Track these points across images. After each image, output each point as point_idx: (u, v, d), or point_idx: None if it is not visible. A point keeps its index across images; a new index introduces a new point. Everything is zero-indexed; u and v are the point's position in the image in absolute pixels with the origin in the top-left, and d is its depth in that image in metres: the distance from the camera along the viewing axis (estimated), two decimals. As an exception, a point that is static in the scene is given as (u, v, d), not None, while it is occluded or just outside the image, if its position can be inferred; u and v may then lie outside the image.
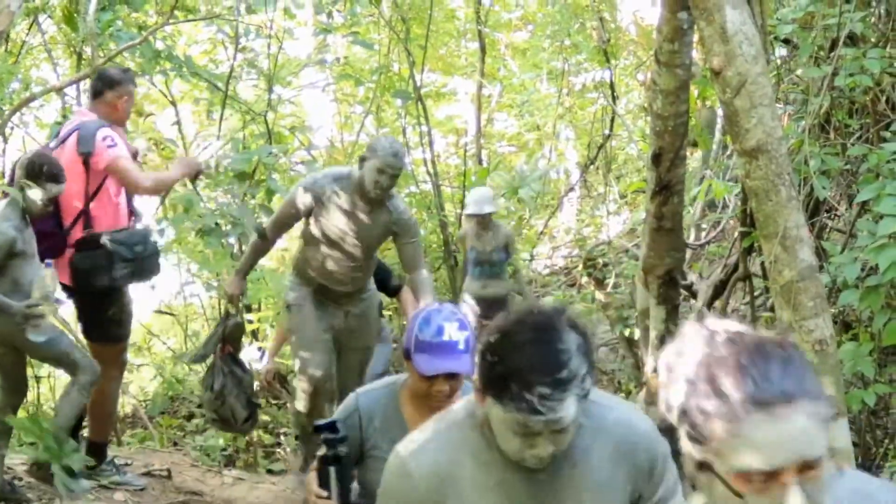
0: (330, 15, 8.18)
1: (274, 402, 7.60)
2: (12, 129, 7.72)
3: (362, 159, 4.73)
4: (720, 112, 6.99)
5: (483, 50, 11.33)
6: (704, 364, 1.31)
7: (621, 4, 11.92)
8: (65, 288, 4.72)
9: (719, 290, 5.00)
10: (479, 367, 1.89)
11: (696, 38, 4.03)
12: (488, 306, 6.69)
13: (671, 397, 1.36)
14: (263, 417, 6.93)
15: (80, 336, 5.06)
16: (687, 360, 1.34)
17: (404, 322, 6.53)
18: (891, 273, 3.57)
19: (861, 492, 1.46)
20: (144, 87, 8.44)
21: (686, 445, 1.35)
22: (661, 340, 4.57)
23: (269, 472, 6.54)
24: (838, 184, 5.22)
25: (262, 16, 7.84)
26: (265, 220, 5.01)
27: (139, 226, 4.97)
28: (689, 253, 6.80)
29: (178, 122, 8.86)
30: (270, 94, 8.15)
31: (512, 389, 1.79)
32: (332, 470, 2.57)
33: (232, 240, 6.28)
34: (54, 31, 8.20)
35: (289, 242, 7.98)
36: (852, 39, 4.62)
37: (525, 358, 1.80)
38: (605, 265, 9.08)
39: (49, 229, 4.60)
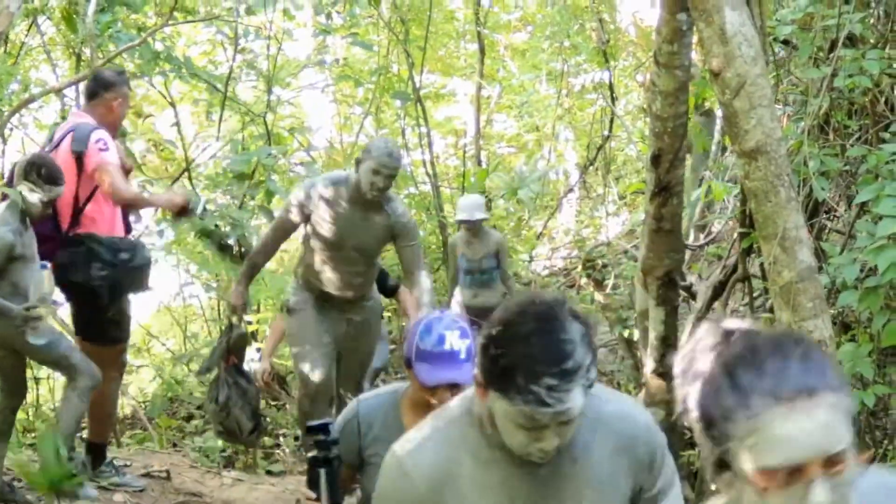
0: (329, 16, 8.20)
1: (273, 402, 7.60)
2: (11, 130, 7.73)
3: (358, 161, 4.72)
4: (719, 114, 6.99)
5: (482, 51, 11.33)
6: (722, 361, 1.29)
7: (620, 5, 11.93)
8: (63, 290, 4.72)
9: (718, 291, 4.99)
10: (481, 360, 1.86)
11: (695, 39, 4.04)
12: (479, 315, 6.57)
13: (689, 398, 1.33)
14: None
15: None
16: (703, 360, 1.32)
17: (403, 323, 6.53)
18: (890, 274, 3.57)
19: (887, 486, 1.43)
20: (144, 88, 8.44)
21: (705, 445, 1.32)
22: (661, 341, 4.57)
23: (269, 473, 6.53)
24: (837, 185, 5.21)
25: (262, 17, 7.86)
26: (265, 222, 5.00)
27: (139, 235, 4.94)
28: (688, 254, 6.79)
29: (177, 124, 8.86)
30: (270, 96, 8.16)
31: (518, 382, 1.76)
32: (322, 472, 2.55)
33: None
34: (53, 33, 8.20)
35: (288, 243, 7.97)
36: (851, 40, 4.62)
37: (530, 349, 1.76)
38: (605, 266, 9.08)
39: (48, 231, 4.59)
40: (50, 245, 4.59)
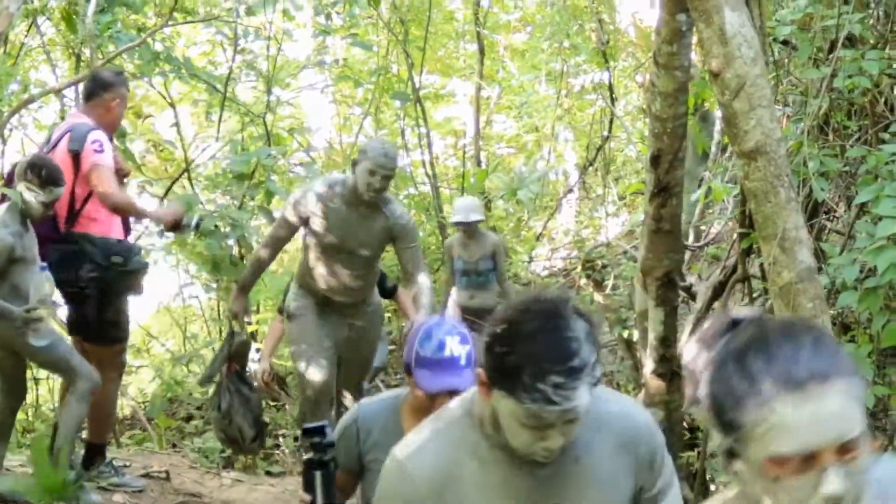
0: (329, 17, 8.20)
1: (273, 403, 7.59)
2: (11, 130, 7.73)
3: (354, 163, 4.70)
4: (718, 115, 6.99)
5: (482, 51, 11.34)
6: (731, 348, 1.27)
7: (620, 6, 11.93)
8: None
9: (718, 291, 4.99)
10: (485, 359, 1.84)
11: (694, 40, 4.04)
12: (476, 317, 6.55)
13: (699, 388, 1.31)
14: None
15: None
16: (713, 349, 1.30)
17: (403, 323, 6.52)
18: (889, 275, 3.57)
19: None
20: (143, 88, 8.45)
21: (716, 435, 1.30)
22: (660, 342, 4.57)
23: (268, 473, 6.53)
24: (837, 185, 5.22)
25: (261, 17, 7.86)
26: (264, 222, 5.00)
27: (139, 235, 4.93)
28: (687, 254, 6.80)
29: (176, 124, 8.86)
30: (269, 96, 8.17)
31: (524, 380, 1.74)
32: (317, 475, 2.54)
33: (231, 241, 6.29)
34: (53, 33, 8.21)
35: (288, 244, 7.97)
36: (851, 41, 4.62)
37: (536, 347, 1.75)
38: (604, 267, 9.07)
39: (48, 233, 4.59)
40: (49, 245, 4.59)
